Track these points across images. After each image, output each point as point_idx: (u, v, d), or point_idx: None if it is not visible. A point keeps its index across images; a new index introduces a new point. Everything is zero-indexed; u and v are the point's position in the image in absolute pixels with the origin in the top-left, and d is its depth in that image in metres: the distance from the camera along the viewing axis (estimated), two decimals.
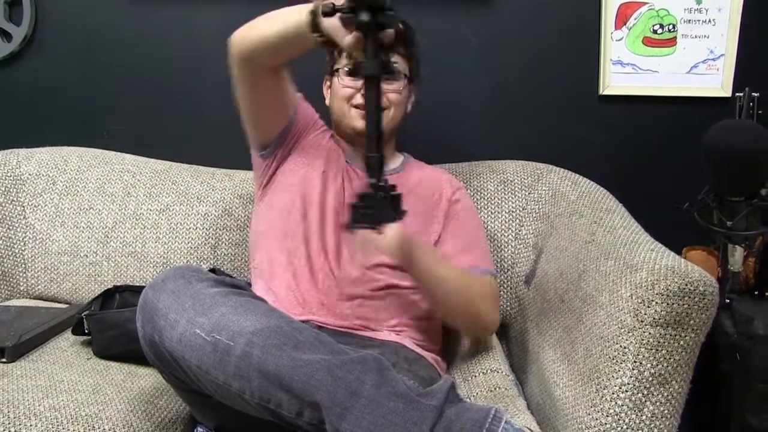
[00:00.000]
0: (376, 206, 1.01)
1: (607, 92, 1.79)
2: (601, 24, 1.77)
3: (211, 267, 1.55)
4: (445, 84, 1.78)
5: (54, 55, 1.82)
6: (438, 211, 1.38)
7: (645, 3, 1.76)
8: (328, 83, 1.45)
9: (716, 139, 1.30)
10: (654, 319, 0.97)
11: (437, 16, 1.77)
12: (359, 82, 1.30)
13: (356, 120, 1.35)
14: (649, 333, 0.97)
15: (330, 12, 1.01)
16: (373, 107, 1.02)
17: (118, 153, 1.76)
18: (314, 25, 1.06)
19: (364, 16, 0.96)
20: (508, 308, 1.54)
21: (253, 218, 1.44)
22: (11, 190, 1.66)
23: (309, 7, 1.07)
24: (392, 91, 1.36)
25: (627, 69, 1.79)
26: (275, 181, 1.38)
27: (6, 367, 1.21)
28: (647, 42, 1.78)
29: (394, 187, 1.04)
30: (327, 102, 1.46)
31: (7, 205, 1.65)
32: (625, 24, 1.77)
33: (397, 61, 1.35)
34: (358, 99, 1.34)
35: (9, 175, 1.67)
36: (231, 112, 1.80)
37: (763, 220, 1.31)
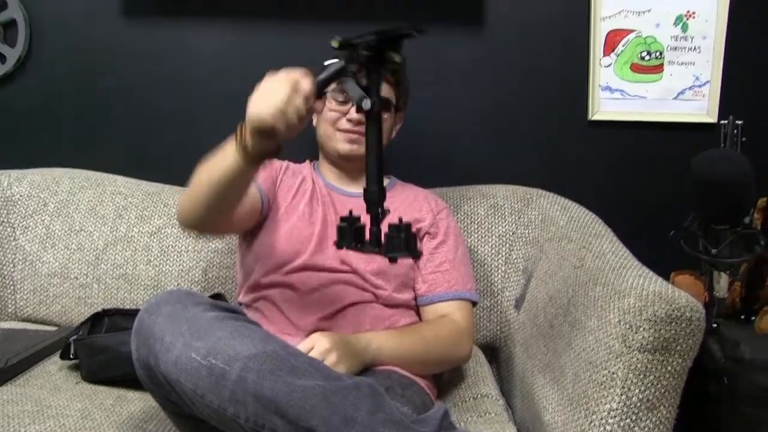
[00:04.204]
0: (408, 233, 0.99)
1: (596, 117, 1.82)
2: (590, 50, 1.80)
3: (217, 293, 1.55)
4: (435, 108, 1.80)
5: (48, 77, 1.83)
6: (420, 232, 1.40)
7: (633, 30, 1.79)
8: None
9: (701, 169, 1.32)
10: (642, 344, 0.98)
11: (428, 39, 1.78)
12: (346, 107, 1.35)
13: (341, 143, 1.37)
14: (637, 358, 0.98)
15: (344, 45, 1.00)
16: (374, 142, 1.02)
17: (110, 174, 1.76)
18: (249, 158, 1.06)
19: (398, 58, 1.01)
20: (498, 332, 1.55)
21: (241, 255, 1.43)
22: (2, 211, 1.66)
23: (233, 148, 1.06)
24: None
25: (615, 95, 1.82)
26: (262, 228, 1.38)
27: None
28: (635, 68, 1.81)
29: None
30: (314, 123, 1.48)
31: None
32: (613, 50, 1.80)
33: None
34: (344, 123, 1.37)
35: (0, 196, 1.67)
36: (223, 134, 1.82)
37: (747, 247, 1.33)
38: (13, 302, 1.63)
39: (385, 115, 1.38)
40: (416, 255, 1.03)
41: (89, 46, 1.81)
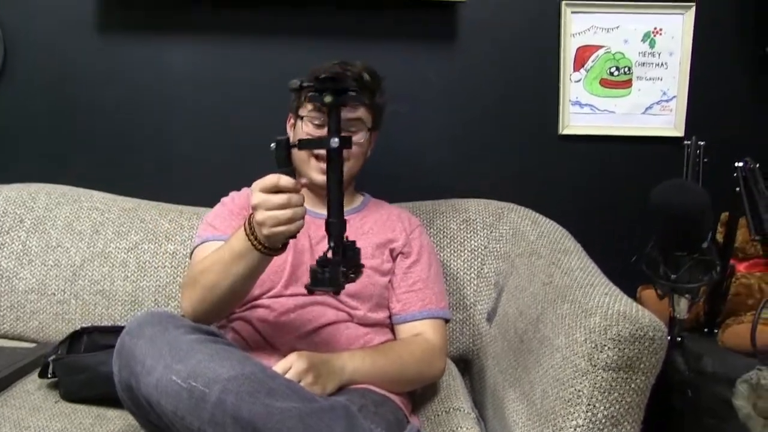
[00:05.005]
0: (333, 270, 1.04)
1: (566, 132, 1.86)
2: (560, 66, 1.84)
3: None
4: (408, 123, 1.83)
5: (23, 91, 1.82)
6: (393, 252, 1.43)
7: (602, 46, 1.84)
8: (291, 122, 1.46)
9: (659, 200, 1.37)
10: (606, 363, 1.01)
11: (401, 55, 1.82)
12: (323, 130, 1.32)
13: (315, 173, 1.36)
14: (602, 377, 1.02)
15: (297, 89, 1.06)
16: (336, 179, 1.07)
17: (87, 190, 1.77)
18: (272, 250, 1.11)
19: (328, 98, 1.03)
20: (471, 345, 1.59)
21: None
22: None
23: (248, 246, 1.10)
24: (354, 143, 1.38)
25: (585, 109, 1.86)
26: None
27: None
28: (604, 83, 1.85)
29: (353, 245, 1.08)
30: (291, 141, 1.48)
31: None
32: (583, 66, 1.85)
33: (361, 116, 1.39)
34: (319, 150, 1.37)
35: None
36: (199, 150, 1.85)
37: (706, 270, 1.38)
38: None
39: (362, 138, 1.40)
40: (337, 291, 1.06)
41: (65, 61, 1.81)
